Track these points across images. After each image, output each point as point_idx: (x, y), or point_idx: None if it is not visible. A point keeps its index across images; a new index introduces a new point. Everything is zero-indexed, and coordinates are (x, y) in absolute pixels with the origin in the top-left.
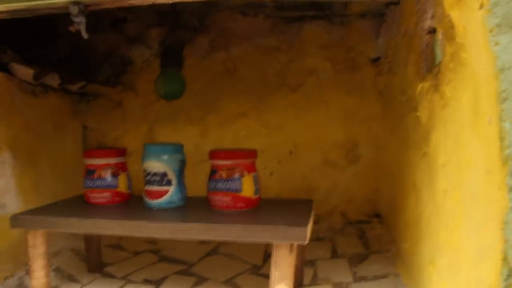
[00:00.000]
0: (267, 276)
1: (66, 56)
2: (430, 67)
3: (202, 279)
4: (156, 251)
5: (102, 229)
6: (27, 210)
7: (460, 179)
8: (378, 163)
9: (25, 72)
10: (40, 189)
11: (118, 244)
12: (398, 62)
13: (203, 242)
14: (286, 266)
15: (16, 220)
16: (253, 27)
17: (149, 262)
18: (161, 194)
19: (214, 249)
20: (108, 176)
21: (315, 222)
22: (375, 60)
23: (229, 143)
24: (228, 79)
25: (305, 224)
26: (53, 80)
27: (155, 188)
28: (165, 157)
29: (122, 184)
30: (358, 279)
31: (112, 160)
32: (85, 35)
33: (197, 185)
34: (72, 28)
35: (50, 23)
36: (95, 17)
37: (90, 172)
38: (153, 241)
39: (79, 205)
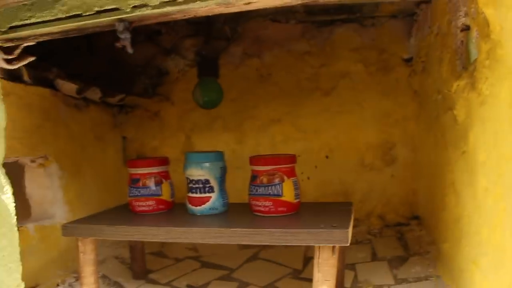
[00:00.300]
0: (307, 280)
1: (104, 70)
2: (465, 64)
3: (243, 284)
4: (197, 257)
5: (148, 236)
6: (77, 219)
7: (501, 175)
8: (414, 164)
9: (69, 87)
10: (85, 199)
11: (160, 251)
12: (431, 61)
13: (243, 248)
14: (328, 268)
15: (66, 229)
16: (285, 33)
17: (191, 269)
18: (204, 201)
19: (255, 255)
20: (152, 184)
21: (353, 226)
22: (408, 61)
23: (266, 149)
24: (262, 85)
25: (346, 226)
26: (94, 94)
27: (197, 195)
28: (207, 164)
29: (165, 192)
30: (399, 281)
31: (155, 169)
32: (130, 50)
33: (235, 191)
34: (118, 44)
35: (86, 39)
36: (133, 31)
37: (134, 181)
38: (194, 248)
39: (125, 213)
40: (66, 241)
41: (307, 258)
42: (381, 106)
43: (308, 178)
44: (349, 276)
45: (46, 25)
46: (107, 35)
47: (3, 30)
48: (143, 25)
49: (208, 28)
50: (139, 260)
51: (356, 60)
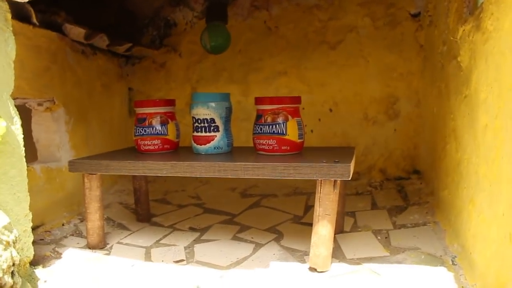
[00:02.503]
0: (308, 224)
1: (112, 19)
2: (472, 10)
3: (245, 227)
4: (200, 204)
5: (153, 171)
6: (83, 156)
7: (501, 107)
8: (417, 118)
9: (77, 32)
10: (90, 144)
11: (163, 198)
12: (439, 14)
13: (245, 196)
14: (329, 202)
15: (73, 164)
16: None
17: (193, 214)
18: (209, 139)
19: (256, 202)
20: (157, 124)
21: (354, 179)
22: (415, 15)
23: None
24: (269, 38)
25: (348, 161)
26: (101, 41)
27: (203, 134)
28: (213, 104)
29: (171, 132)
30: (398, 226)
31: (162, 109)
32: None
33: (240, 143)
34: None
35: None
36: None
37: (140, 120)
38: (197, 196)
39: (130, 153)
40: (72, 184)
41: (308, 207)
42: (386, 60)
43: (312, 131)
44: (348, 222)
45: None
46: None
47: None
48: None
49: None
50: (143, 203)
51: (363, 14)
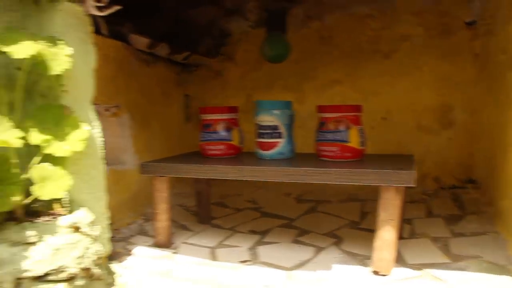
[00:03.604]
0: (367, 230)
1: (170, 29)
2: None
3: (304, 231)
4: (257, 208)
5: (221, 174)
6: (153, 159)
7: None
8: (473, 127)
9: (141, 41)
10: (151, 149)
11: (221, 202)
12: (497, 22)
13: (300, 201)
14: (393, 208)
15: (145, 167)
16: None
17: (251, 217)
18: (272, 145)
19: (312, 208)
20: (222, 130)
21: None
22: (471, 24)
23: None
24: (323, 47)
25: (411, 168)
26: (163, 50)
27: (267, 140)
28: (277, 111)
29: (235, 138)
30: (456, 235)
31: (226, 116)
32: None
33: (296, 149)
34: None
35: None
36: None
37: (206, 126)
38: (253, 200)
39: (196, 157)
40: (136, 186)
41: (364, 213)
42: (440, 69)
43: None
44: (406, 228)
45: None
46: None
47: None
48: None
49: None
50: (204, 205)
51: (416, 24)
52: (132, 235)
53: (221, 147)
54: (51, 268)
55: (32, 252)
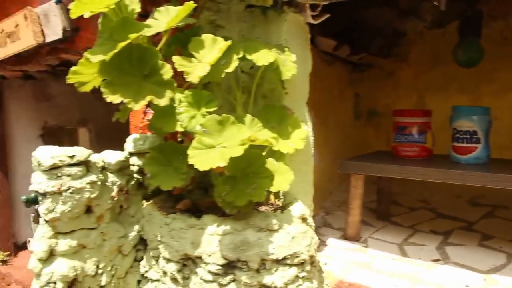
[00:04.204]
0: None
1: (343, 29)
2: None
3: (487, 236)
4: (431, 209)
5: (424, 176)
6: (349, 157)
7: None
8: None
9: (327, 43)
10: (328, 145)
11: (394, 201)
12: None
13: (475, 205)
14: None
15: (343, 165)
16: None
17: (428, 217)
18: (470, 150)
19: (490, 212)
20: (417, 132)
21: None
22: None
23: (503, 113)
24: (505, 49)
25: None
26: (343, 51)
27: (464, 144)
28: (475, 117)
29: (429, 141)
30: None
31: (421, 119)
32: (443, 8)
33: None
34: (435, 2)
35: None
36: None
37: (401, 128)
38: (424, 200)
39: (389, 157)
40: (315, 179)
41: None
42: None
43: None
44: None
45: None
46: None
47: None
48: None
49: None
50: (385, 203)
51: None
52: (318, 226)
53: (415, 149)
54: (288, 253)
55: (274, 238)
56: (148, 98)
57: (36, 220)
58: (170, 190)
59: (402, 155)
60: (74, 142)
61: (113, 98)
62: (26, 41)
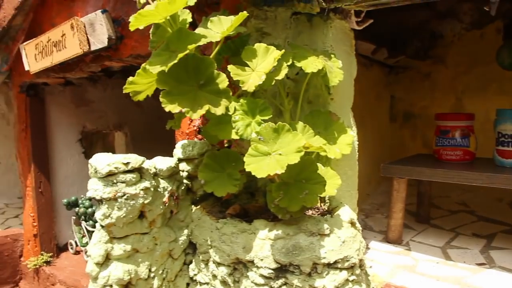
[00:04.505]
0: None
1: (380, 32)
2: None
3: None
4: (471, 212)
5: (469, 180)
6: (391, 161)
7: None
8: None
9: (366, 47)
10: (365, 147)
11: (432, 203)
12: None
13: None
14: None
15: (386, 168)
16: None
17: (469, 220)
18: None
19: None
20: (460, 136)
21: None
22: None
23: None
24: None
25: None
26: (381, 54)
27: (509, 148)
28: None
29: (472, 144)
30: None
31: (464, 123)
32: (493, 13)
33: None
34: (486, 7)
35: None
36: None
37: (443, 132)
38: (463, 203)
39: (430, 160)
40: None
41: None
42: None
43: None
44: None
45: None
46: None
47: None
48: None
49: None
50: (425, 206)
51: None
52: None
53: (458, 152)
54: (339, 257)
55: (326, 242)
56: (206, 107)
57: (77, 222)
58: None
59: (444, 158)
60: (106, 145)
61: (172, 108)
62: (72, 50)
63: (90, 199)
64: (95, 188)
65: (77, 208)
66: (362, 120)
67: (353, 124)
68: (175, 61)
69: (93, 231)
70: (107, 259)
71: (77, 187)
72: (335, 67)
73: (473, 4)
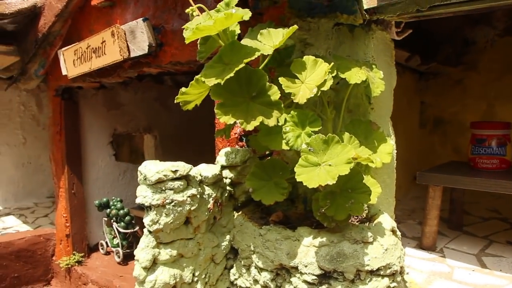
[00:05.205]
0: None
1: (411, 38)
2: None
3: None
4: (504, 219)
5: (508, 189)
6: (426, 169)
7: None
8: None
9: (399, 54)
10: (397, 154)
11: (463, 209)
12: None
13: None
14: None
15: (421, 176)
16: None
17: (502, 228)
18: None
19: None
20: (496, 145)
21: None
22: None
23: None
24: None
25: None
26: (414, 61)
27: None
28: None
29: (508, 153)
30: None
31: (501, 132)
32: None
33: None
34: None
35: None
36: None
37: (479, 141)
38: (495, 210)
39: (466, 168)
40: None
41: None
42: None
43: None
44: None
45: (457, 5)
46: None
47: (423, 9)
48: None
49: None
50: (458, 213)
51: None
52: None
53: (495, 161)
54: (382, 265)
55: (369, 250)
56: (259, 118)
57: (108, 223)
58: (257, 201)
59: (480, 167)
60: (133, 147)
61: (226, 119)
62: (112, 56)
63: (121, 201)
64: (144, 195)
65: (109, 210)
66: (394, 125)
67: (392, 133)
68: (231, 74)
69: (124, 233)
70: (154, 263)
71: (108, 189)
72: (377, 78)
73: (506, 10)
